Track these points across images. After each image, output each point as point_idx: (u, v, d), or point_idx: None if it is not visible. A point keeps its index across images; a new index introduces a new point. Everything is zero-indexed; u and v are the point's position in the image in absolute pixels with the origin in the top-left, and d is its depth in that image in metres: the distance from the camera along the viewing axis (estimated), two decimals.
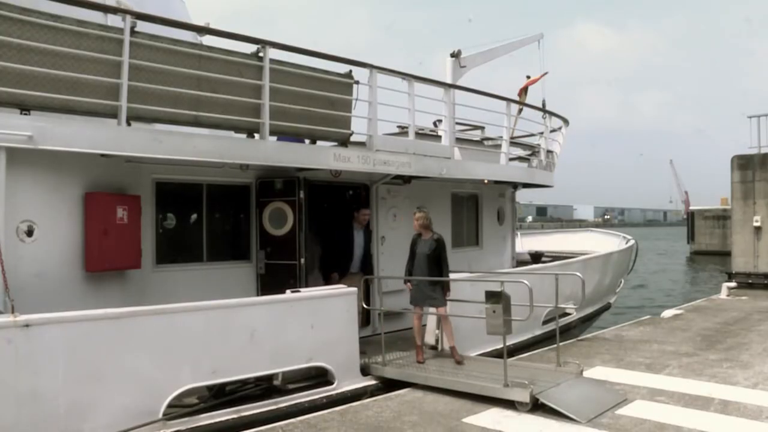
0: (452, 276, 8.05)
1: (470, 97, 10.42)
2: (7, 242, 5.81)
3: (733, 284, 16.32)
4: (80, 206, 6.60)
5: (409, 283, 7.85)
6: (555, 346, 7.75)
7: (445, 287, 7.71)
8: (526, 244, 16.17)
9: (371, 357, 7.66)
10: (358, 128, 8.60)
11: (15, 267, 5.85)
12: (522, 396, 6.20)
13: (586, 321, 11.99)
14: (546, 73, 13.73)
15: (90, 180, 6.69)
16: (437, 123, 11.50)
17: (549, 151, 12.79)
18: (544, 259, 14.25)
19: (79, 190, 6.60)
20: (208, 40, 8.06)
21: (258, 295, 8.30)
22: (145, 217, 7.36)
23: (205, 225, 8.26)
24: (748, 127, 17.70)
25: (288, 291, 6.90)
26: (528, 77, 13.93)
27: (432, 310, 8.21)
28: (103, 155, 6.48)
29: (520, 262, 13.70)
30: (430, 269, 7.65)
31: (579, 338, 9.84)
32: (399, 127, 10.63)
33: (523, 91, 13.46)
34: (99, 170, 6.76)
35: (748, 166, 17.33)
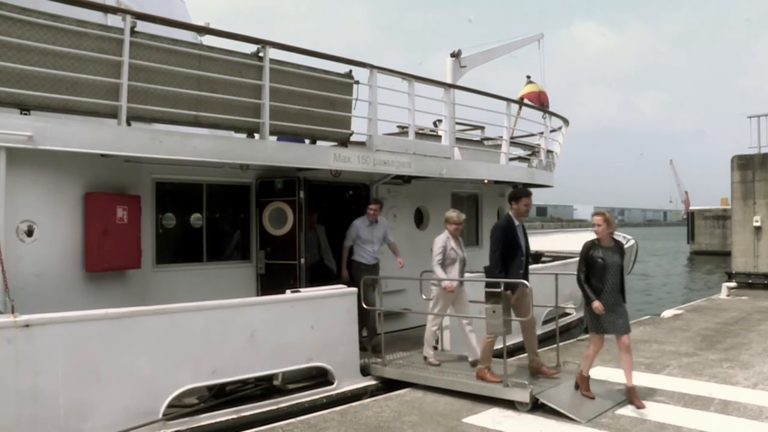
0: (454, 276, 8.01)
1: (470, 97, 10.42)
2: (7, 242, 5.81)
3: (733, 284, 16.32)
4: (80, 206, 6.60)
5: (598, 304, 6.12)
6: (555, 346, 7.75)
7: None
8: None
9: (371, 357, 7.66)
10: (358, 128, 8.60)
11: (15, 267, 5.85)
12: (522, 396, 6.20)
13: None
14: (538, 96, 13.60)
15: (90, 180, 6.69)
16: (437, 123, 11.50)
17: (549, 151, 12.78)
18: (544, 258, 14.25)
19: (79, 190, 6.60)
20: (208, 40, 8.07)
21: (258, 295, 8.30)
22: (145, 217, 7.36)
23: (205, 225, 8.26)
24: (748, 127, 17.71)
25: (288, 291, 6.90)
26: (528, 77, 13.93)
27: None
28: (103, 155, 6.47)
29: None
30: (622, 284, 6.30)
31: (579, 338, 9.84)
32: (399, 127, 10.63)
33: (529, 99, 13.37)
34: (99, 170, 6.75)
35: (748, 166, 17.33)
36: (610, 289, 6.18)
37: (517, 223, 6.83)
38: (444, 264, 7.41)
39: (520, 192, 7.02)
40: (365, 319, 8.13)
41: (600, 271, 6.19)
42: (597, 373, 7.55)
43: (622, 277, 6.28)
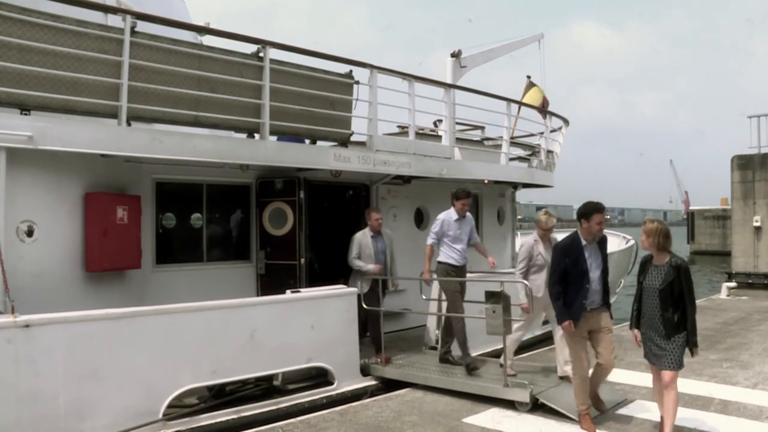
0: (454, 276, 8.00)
1: (470, 97, 10.43)
2: (7, 242, 5.81)
3: (733, 284, 16.31)
4: (80, 206, 6.60)
5: (637, 332, 5.33)
6: (555, 346, 7.74)
7: (688, 337, 5.07)
8: None
9: (371, 357, 7.66)
10: (358, 128, 8.60)
11: (15, 267, 5.85)
12: (522, 396, 6.20)
13: None
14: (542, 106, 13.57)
15: (90, 180, 6.69)
16: (437, 123, 11.51)
17: (549, 151, 12.79)
18: None
19: (79, 190, 6.60)
20: (208, 40, 8.07)
21: (258, 295, 8.30)
22: (145, 217, 7.36)
23: (205, 225, 8.26)
24: (748, 127, 17.71)
25: (288, 291, 6.90)
26: (528, 77, 13.93)
27: (434, 308, 8.14)
28: (103, 155, 6.48)
29: None
30: (665, 311, 5.05)
31: None
32: (399, 127, 10.63)
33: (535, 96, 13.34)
34: (99, 170, 6.75)
35: (748, 166, 17.33)
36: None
37: (584, 243, 5.56)
38: (528, 272, 6.82)
39: (590, 207, 5.61)
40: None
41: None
42: None
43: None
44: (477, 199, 12.20)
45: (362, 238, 7.77)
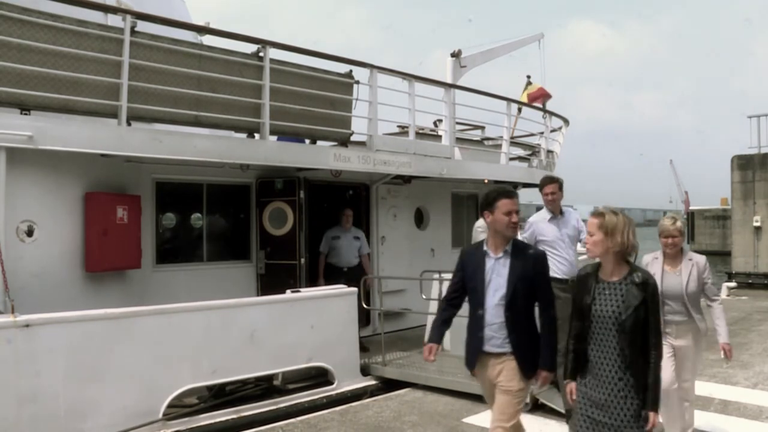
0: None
1: (470, 97, 10.42)
2: (7, 242, 5.81)
3: (733, 284, 16.32)
4: (80, 206, 6.59)
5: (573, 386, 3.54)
6: None
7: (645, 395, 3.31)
8: None
9: (371, 357, 7.66)
10: (358, 128, 8.60)
11: (15, 267, 5.85)
12: None
13: None
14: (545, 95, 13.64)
15: (90, 180, 6.69)
16: (437, 123, 11.50)
17: (549, 151, 12.79)
18: None
19: (79, 190, 6.60)
20: (209, 40, 8.07)
21: (258, 295, 8.30)
22: (145, 217, 7.36)
23: (205, 225, 8.26)
24: (748, 127, 17.71)
25: (288, 291, 6.90)
26: (528, 77, 13.93)
27: (434, 308, 8.15)
28: (103, 155, 6.47)
29: None
30: (629, 356, 3.31)
31: None
32: (399, 127, 10.62)
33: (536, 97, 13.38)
34: (99, 170, 6.75)
35: (748, 166, 17.33)
36: None
37: (486, 249, 3.93)
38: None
39: (492, 195, 3.96)
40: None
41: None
42: None
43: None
44: (477, 199, 12.20)
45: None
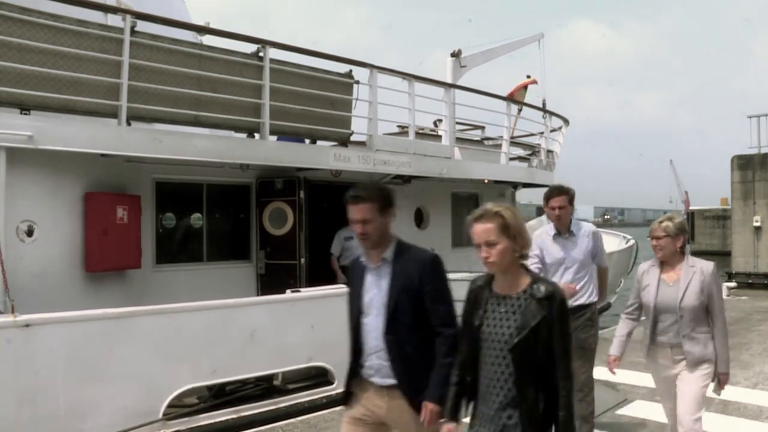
0: (452, 276, 7.99)
1: (470, 97, 10.43)
2: (7, 242, 5.81)
3: (733, 284, 16.31)
4: (80, 206, 6.59)
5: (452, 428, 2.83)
6: None
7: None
8: None
9: None
10: (358, 128, 8.60)
11: (15, 267, 5.85)
12: None
13: None
14: (534, 81, 13.70)
15: (90, 180, 6.69)
16: (437, 123, 11.50)
17: (549, 151, 12.79)
18: None
19: (79, 190, 6.60)
20: (208, 40, 8.08)
21: (258, 295, 8.30)
22: (145, 217, 7.36)
23: (205, 225, 8.26)
24: (748, 127, 17.70)
25: (288, 291, 6.90)
26: (528, 77, 13.93)
27: None
28: (103, 155, 6.48)
29: None
30: (522, 389, 2.59)
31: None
32: (399, 126, 10.63)
33: (520, 90, 13.42)
34: (99, 170, 6.75)
35: (748, 166, 17.32)
36: None
37: (364, 260, 3.23)
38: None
39: (347, 198, 3.26)
40: None
41: None
42: (597, 373, 7.55)
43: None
44: (477, 199, 12.21)
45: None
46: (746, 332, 10.32)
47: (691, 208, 52.58)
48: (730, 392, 6.69)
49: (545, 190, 4.99)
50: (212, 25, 8.53)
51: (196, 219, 8.27)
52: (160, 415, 5.56)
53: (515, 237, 2.62)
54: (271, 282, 8.19)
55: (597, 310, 5.10)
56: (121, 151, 6.43)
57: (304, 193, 8.44)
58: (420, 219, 10.86)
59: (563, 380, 2.59)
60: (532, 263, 4.68)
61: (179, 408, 5.82)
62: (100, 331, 5.32)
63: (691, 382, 3.95)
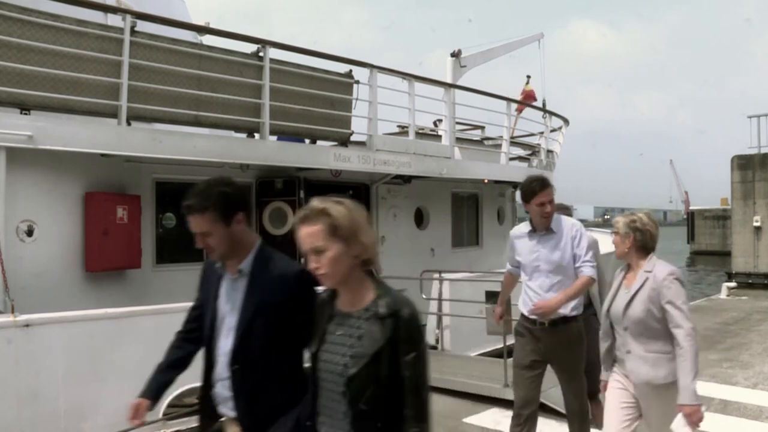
0: (452, 276, 8.01)
1: (470, 97, 10.43)
2: (7, 242, 5.81)
3: (733, 284, 16.33)
4: (80, 206, 6.59)
5: None
6: None
7: None
8: None
9: None
10: (358, 128, 8.61)
11: (15, 267, 5.85)
12: None
13: None
14: (531, 91, 13.74)
15: (90, 180, 6.68)
16: (437, 123, 11.51)
17: (549, 151, 12.79)
18: None
19: (79, 190, 6.60)
20: (208, 39, 8.08)
21: None
22: (145, 217, 7.35)
23: None
24: (748, 127, 17.72)
25: None
26: (528, 77, 13.95)
27: (434, 308, 8.15)
28: (103, 155, 6.47)
29: None
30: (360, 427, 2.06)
31: None
32: (399, 126, 10.63)
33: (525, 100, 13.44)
34: (99, 170, 6.75)
35: (748, 166, 17.34)
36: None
37: (219, 266, 2.74)
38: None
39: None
40: None
41: None
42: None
43: None
44: (477, 199, 12.21)
45: None
46: (746, 332, 10.33)
47: (691, 208, 52.54)
48: (730, 392, 6.72)
49: (520, 185, 4.24)
50: (212, 25, 8.53)
51: None
52: (160, 415, 5.55)
53: (349, 239, 2.11)
54: None
55: (584, 322, 4.29)
56: (121, 151, 6.42)
57: (304, 193, 8.44)
58: (420, 219, 10.86)
59: (412, 424, 2.00)
60: (510, 268, 4.47)
61: (179, 408, 5.81)
62: (100, 331, 5.31)
63: (650, 419, 3.43)
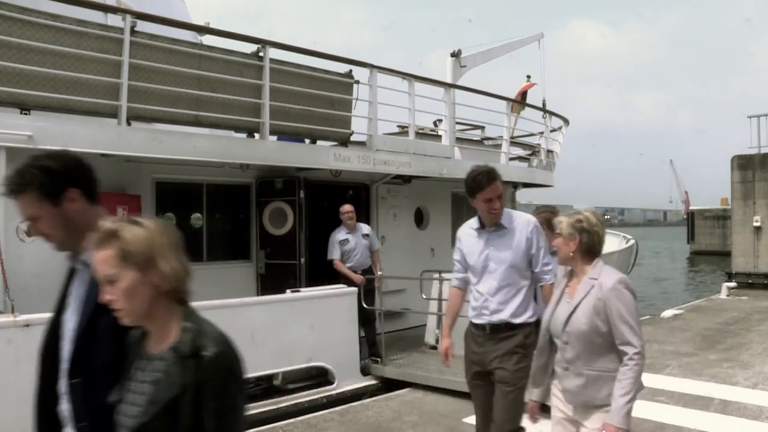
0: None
1: (470, 97, 10.43)
2: (7, 242, 5.81)
3: (733, 284, 16.31)
4: None
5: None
6: None
7: None
8: None
9: (371, 357, 7.66)
10: (358, 128, 8.61)
11: (15, 267, 5.84)
12: None
13: None
14: (533, 84, 13.78)
15: None
16: (437, 123, 11.51)
17: (549, 151, 12.79)
18: None
19: None
20: (208, 39, 8.08)
21: (258, 295, 8.30)
22: (145, 216, 7.35)
23: (205, 225, 8.26)
24: (748, 127, 17.71)
25: (288, 291, 6.90)
26: (528, 77, 13.94)
27: (434, 308, 8.14)
28: (103, 155, 6.47)
29: None
30: None
31: None
32: (399, 126, 10.63)
33: (521, 96, 13.45)
34: (99, 170, 6.69)
35: (748, 166, 17.32)
36: None
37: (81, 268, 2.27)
38: None
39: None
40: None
41: None
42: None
43: None
44: None
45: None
46: (746, 332, 10.32)
47: (691, 208, 52.54)
48: (730, 392, 6.71)
49: (465, 177, 3.67)
50: (212, 25, 8.53)
51: (196, 219, 8.27)
52: None
53: (145, 266, 1.73)
54: (272, 282, 8.19)
55: (532, 334, 3.64)
56: (121, 151, 6.42)
57: (304, 193, 8.44)
58: (420, 219, 10.86)
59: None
60: (455, 270, 3.96)
61: None
62: None
63: None
